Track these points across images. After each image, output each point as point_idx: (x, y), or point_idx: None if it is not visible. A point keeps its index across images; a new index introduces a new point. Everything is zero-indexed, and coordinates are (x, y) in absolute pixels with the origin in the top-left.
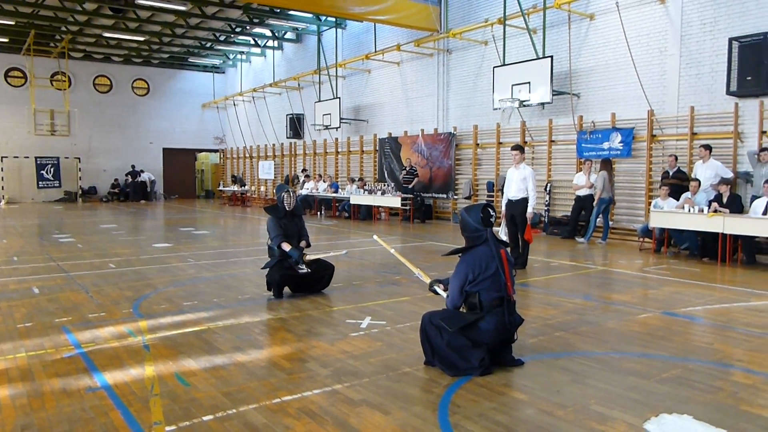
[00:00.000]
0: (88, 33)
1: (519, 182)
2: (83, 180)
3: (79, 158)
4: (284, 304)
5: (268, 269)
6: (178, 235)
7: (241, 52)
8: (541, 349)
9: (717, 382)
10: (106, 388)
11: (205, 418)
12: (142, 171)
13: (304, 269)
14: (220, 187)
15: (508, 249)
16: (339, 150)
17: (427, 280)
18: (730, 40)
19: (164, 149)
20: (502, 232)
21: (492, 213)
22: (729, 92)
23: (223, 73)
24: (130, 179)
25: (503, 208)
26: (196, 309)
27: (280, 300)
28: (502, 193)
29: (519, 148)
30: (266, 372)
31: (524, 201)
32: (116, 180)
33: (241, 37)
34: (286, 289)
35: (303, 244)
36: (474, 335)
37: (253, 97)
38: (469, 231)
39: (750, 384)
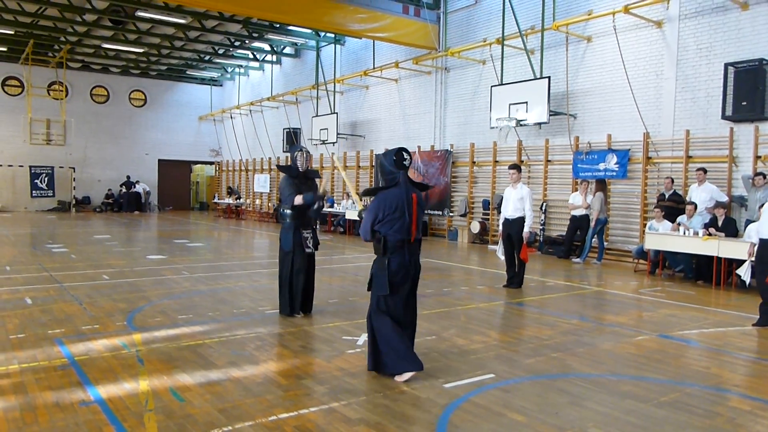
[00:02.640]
0: (87, 44)
1: (516, 202)
2: (77, 190)
3: (73, 168)
4: (280, 319)
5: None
6: (172, 247)
7: (240, 66)
8: (539, 370)
9: (715, 407)
10: (99, 403)
11: None
12: (137, 182)
13: (310, 248)
14: (215, 200)
15: (423, 194)
16: (335, 165)
17: (360, 208)
18: (726, 65)
19: (160, 161)
20: (499, 251)
21: (406, 156)
22: (724, 117)
23: (221, 86)
24: (124, 190)
25: (500, 227)
26: (191, 322)
27: (287, 316)
28: (498, 212)
29: (516, 167)
30: (262, 388)
31: (521, 220)
32: (110, 190)
33: (239, 51)
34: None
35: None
36: (393, 297)
37: (250, 111)
38: (384, 174)
39: (747, 410)
